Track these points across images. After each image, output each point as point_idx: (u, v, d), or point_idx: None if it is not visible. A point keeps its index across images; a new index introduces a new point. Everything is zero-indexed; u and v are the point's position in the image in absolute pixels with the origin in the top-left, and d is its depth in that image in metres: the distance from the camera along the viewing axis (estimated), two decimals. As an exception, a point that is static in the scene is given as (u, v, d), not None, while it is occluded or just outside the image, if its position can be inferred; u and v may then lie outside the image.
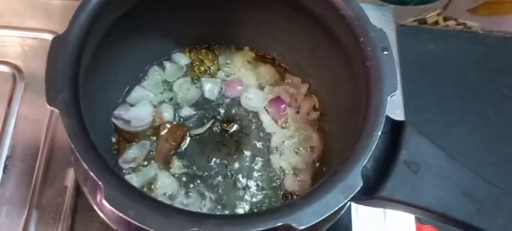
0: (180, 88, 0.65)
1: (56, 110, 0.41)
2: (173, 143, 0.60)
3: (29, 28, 0.75)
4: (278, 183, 0.60)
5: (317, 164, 0.61)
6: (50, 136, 0.66)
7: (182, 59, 0.67)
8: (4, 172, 0.63)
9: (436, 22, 0.97)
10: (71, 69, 0.43)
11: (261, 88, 0.66)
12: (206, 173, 0.60)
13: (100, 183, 0.39)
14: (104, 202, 0.38)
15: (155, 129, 0.62)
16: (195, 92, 0.65)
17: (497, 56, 0.98)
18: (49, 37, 0.74)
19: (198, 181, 0.59)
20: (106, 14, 0.48)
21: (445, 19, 0.96)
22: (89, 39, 0.45)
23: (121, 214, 0.38)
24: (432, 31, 0.99)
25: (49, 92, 0.41)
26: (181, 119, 0.63)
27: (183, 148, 0.61)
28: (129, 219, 0.38)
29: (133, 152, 0.60)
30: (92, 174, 0.39)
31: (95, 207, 0.50)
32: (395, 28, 0.82)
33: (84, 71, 0.45)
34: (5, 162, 0.64)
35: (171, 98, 0.65)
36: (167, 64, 0.66)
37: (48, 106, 0.41)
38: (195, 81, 0.66)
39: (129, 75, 0.64)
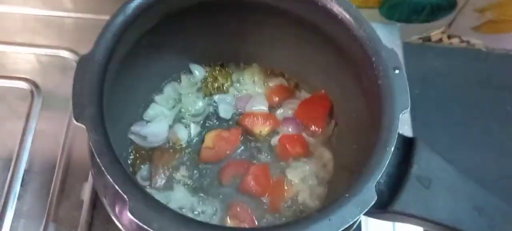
0: (187, 101, 0.67)
1: (82, 126, 0.43)
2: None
3: (45, 45, 0.78)
4: (293, 198, 0.61)
5: (329, 178, 0.62)
6: (67, 150, 0.68)
7: (197, 70, 0.69)
8: (22, 185, 0.65)
9: (440, 40, 0.99)
10: (96, 87, 0.45)
11: (273, 108, 0.68)
12: (219, 187, 0.62)
13: (125, 196, 0.40)
14: (129, 214, 0.40)
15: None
16: (202, 105, 0.67)
17: (500, 73, 1.00)
18: (64, 54, 0.77)
19: (210, 193, 0.61)
20: (129, 34, 0.50)
21: (449, 37, 0.98)
22: (113, 58, 0.47)
23: (145, 226, 0.39)
24: (437, 48, 1.00)
25: (76, 109, 0.43)
26: (195, 138, 0.65)
27: (196, 164, 0.63)
28: (152, 231, 0.39)
29: (148, 170, 0.62)
30: (117, 187, 0.41)
31: (114, 218, 0.51)
32: (401, 46, 0.84)
33: (106, 89, 0.47)
34: (23, 176, 0.66)
35: (180, 111, 0.66)
36: (183, 79, 0.68)
37: (75, 122, 0.42)
38: (208, 98, 0.68)
39: (146, 91, 0.66)
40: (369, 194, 0.42)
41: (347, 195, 0.42)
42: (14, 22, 0.80)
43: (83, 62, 0.45)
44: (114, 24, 0.48)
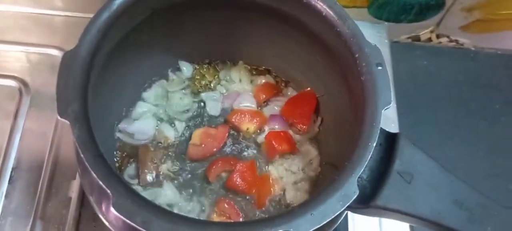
0: (174, 98, 0.67)
1: (66, 122, 0.43)
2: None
3: (34, 43, 0.78)
4: (279, 194, 0.62)
5: (315, 175, 0.63)
6: (55, 148, 0.68)
7: (185, 67, 0.69)
8: (9, 183, 0.65)
9: (429, 39, 1.00)
10: (81, 82, 0.45)
11: (260, 105, 0.68)
12: (207, 183, 0.62)
13: (108, 191, 0.40)
14: (112, 209, 0.40)
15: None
16: (189, 103, 0.67)
17: (488, 72, 1.01)
18: (54, 52, 0.77)
19: (198, 193, 0.61)
20: (115, 30, 0.50)
21: (437, 36, 0.99)
22: (98, 54, 0.48)
23: (128, 221, 0.40)
24: (425, 47, 1.01)
25: (60, 105, 0.43)
26: (182, 136, 0.65)
27: (184, 160, 0.63)
28: (136, 226, 0.39)
29: (135, 168, 0.62)
30: (100, 183, 0.41)
31: (101, 216, 0.51)
32: (389, 45, 0.85)
33: (92, 85, 0.47)
34: (11, 174, 0.66)
35: (167, 109, 0.66)
36: (170, 76, 0.68)
37: (59, 118, 0.43)
38: (195, 95, 0.68)
39: (133, 89, 0.66)
40: (351, 188, 0.43)
41: (329, 189, 0.43)
42: (4, 20, 0.80)
43: (67, 57, 0.45)
44: (99, 20, 0.48)
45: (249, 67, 0.71)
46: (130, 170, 0.62)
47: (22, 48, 0.77)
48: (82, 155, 0.42)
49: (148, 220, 0.40)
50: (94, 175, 0.41)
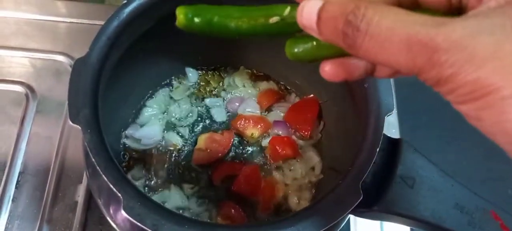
0: (179, 104, 0.68)
1: (77, 127, 0.44)
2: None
3: (39, 49, 0.78)
4: (283, 198, 0.63)
5: (318, 180, 0.64)
6: (61, 152, 0.69)
7: (191, 73, 0.71)
8: (16, 187, 0.66)
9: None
10: (91, 89, 0.46)
11: (264, 111, 0.70)
12: (212, 188, 0.63)
13: (119, 194, 0.41)
14: (123, 212, 0.41)
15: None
16: (194, 109, 0.69)
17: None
18: (59, 58, 0.78)
19: (203, 197, 0.62)
20: (124, 38, 0.51)
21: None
22: (107, 62, 0.49)
23: (138, 224, 0.41)
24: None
25: (72, 110, 0.44)
26: (188, 141, 0.66)
27: (189, 165, 0.64)
28: (146, 228, 0.41)
29: (140, 171, 0.63)
30: (111, 186, 0.42)
31: (108, 218, 0.52)
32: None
33: (101, 92, 0.48)
34: (18, 178, 0.66)
35: (172, 115, 0.68)
36: (175, 83, 0.70)
37: (71, 123, 0.44)
38: (199, 101, 0.70)
39: (139, 95, 0.67)
40: (355, 192, 0.44)
41: (334, 193, 0.44)
42: (7, 26, 0.81)
43: (78, 64, 0.46)
44: (109, 28, 0.49)
45: (250, 72, 0.72)
46: (135, 172, 0.63)
47: (27, 54, 0.78)
48: (93, 159, 0.43)
49: (158, 223, 0.41)
50: (105, 178, 0.42)
